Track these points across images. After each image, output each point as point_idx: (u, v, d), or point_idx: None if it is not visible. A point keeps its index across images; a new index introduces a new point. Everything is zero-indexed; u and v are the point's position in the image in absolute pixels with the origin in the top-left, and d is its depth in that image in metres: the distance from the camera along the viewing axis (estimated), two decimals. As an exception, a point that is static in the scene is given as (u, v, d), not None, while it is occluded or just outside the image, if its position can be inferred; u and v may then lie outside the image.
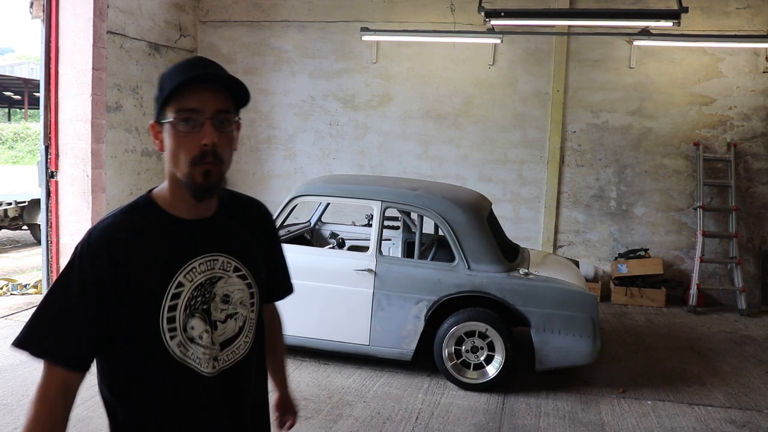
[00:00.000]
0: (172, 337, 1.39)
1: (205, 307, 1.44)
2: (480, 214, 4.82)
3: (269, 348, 1.75)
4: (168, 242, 1.41)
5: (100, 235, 1.38)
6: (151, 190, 1.48)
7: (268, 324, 1.75)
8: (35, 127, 25.66)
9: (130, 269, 1.36)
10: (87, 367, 1.38)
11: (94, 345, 1.37)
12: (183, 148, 1.35)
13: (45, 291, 6.43)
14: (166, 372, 1.40)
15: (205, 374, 1.43)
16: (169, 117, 1.35)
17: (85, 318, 1.34)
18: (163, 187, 1.46)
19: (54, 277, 6.33)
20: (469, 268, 4.63)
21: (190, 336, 1.41)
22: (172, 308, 1.39)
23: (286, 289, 1.79)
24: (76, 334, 1.34)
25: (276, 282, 1.73)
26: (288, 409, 1.89)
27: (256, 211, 1.64)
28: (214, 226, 1.48)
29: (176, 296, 1.39)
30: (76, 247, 1.38)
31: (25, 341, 1.35)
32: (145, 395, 1.41)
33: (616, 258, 7.61)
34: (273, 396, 1.83)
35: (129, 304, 1.36)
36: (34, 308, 1.39)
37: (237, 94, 1.42)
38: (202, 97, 1.34)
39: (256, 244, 1.58)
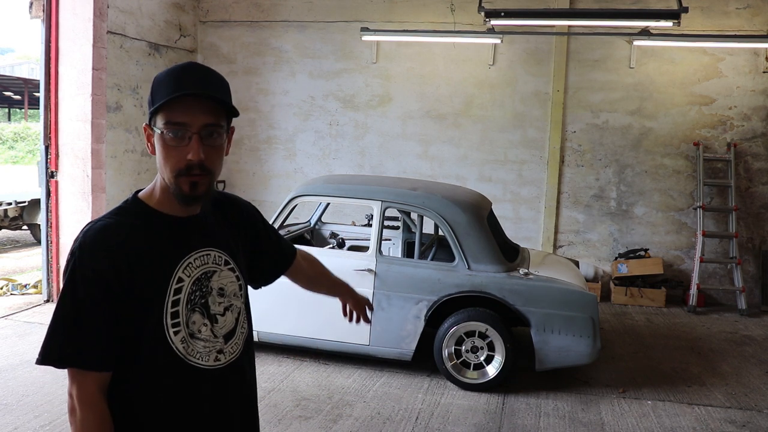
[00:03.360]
0: (176, 333, 1.42)
1: (203, 301, 1.47)
2: (480, 214, 4.82)
3: (318, 276, 1.95)
4: (163, 239, 1.44)
5: (96, 238, 1.38)
6: (136, 193, 1.50)
7: (307, 264, 1.92)
8: (35, 127, 25.64)
9: (130, 269, 1.38)
10: (113, 366, 1.40)
11: (115, 343, 1.39)
12: (170, 159, 1.39)
13: (45, 291, 6.43)
14: (171, 370, 1.42)
15: (207, 367, 1.46)
16: (159, 125, 1.38)
17: (99, 319, 1.36)
18: (151, 187, 1.49)
19: (54, 278, 6.34)
20: (469, 268, 4.63)
21: (191, 331, 1.44)
22: (175, 303, 1.42)
23: (291, 247, 1.88)
24: (95, 336, 1.36)
25: (281, 250, 1.83)
26: (365, 303, 2.06)
27: (231, 206, 1.69)
28: (202, 222, 1.52)
29: (178, 291, 1.43)
30: (73, 253, 1.38)
31: (47, 356, 1.36)
32: (146, 392, 1.42)
33: (616, 258, 7.61)
34: (348, 300, 2.03)
35: (133, 304, 1.38)
36: (48, 324, 1.39)
37: (228, 105, 1.44)
38: (191, 111, 1.36)
39: (239, 238, 1.64)
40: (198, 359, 1.45)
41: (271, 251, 1.79)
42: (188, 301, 1.44)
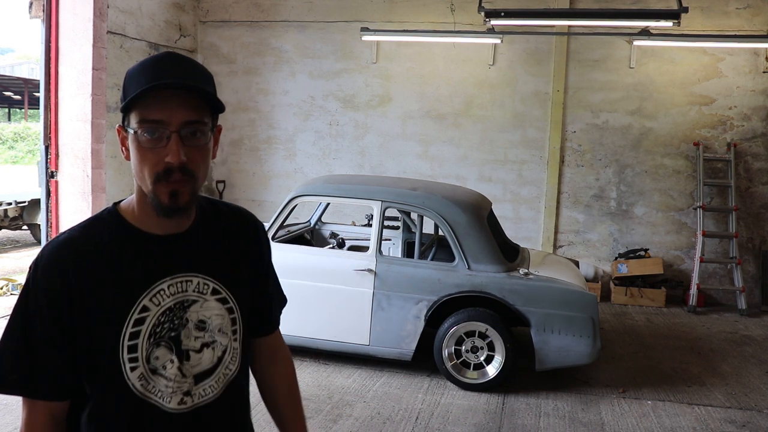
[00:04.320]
0: (132, 369, 1.22)
1: (173, 334, 1.26)
2: (480, 214, 4.82)
3: (282, 393, 1.57)
4: (132, 261, 1.24)
5: (52, 256, 1.22)
6: (118, 202, 1.32)
7: (278, 383, 1.56)
8: (35, 127, 25.64)
9: (86, 293, 1.20)
10: (68, 395, 1.25)
11: (69, 372, 1.23)
12: (146, 163, 1.18)
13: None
14: (124, 407, 1.24)
15: (169, 410, 1.26)
16: (132, 125, 1.18)
17: (49, 344, 1.21)
18: (131, 198, 1.30)
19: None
20: (469, 268, 4.63)
21: (153, 367, 1.24)
22: (134, 336, 1.22)
23: (272, 323, 1.57)
24: (44, 362, 1.21)
25: (262, 314, 1.50)
26: None
27: (242, 224, 1.44)
28: (189, 242, 1.30)
29: (139, 322, 1.22)
30: (30, 268, 1.24)
31: None
32: (102, 428, 1.26)
33: (616, 258, 7.61)
34: None
35: (87, 332, 1.21)
36: None
37: (212, 97, 1.23)
38: (169, 106, 1.16)
39: (241, 263, 1.40)
40: (159, 398, 1.25)
41: (259, 304, 1.47)
42: (152, 334, 1.23)
